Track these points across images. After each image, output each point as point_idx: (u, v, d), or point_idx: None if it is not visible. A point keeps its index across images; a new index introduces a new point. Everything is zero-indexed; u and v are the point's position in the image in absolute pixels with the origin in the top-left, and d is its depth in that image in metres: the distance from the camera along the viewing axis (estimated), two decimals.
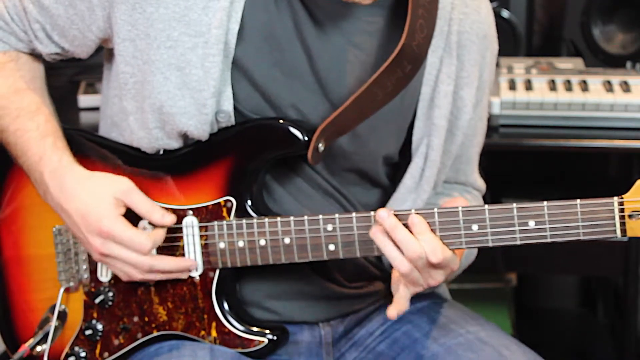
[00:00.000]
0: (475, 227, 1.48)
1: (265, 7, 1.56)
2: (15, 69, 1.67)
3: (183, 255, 1.59)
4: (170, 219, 1.56)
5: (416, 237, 1.46)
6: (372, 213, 1.51)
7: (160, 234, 1.56)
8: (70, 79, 2.52)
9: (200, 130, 1.56)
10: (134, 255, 1.54)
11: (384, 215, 1.47)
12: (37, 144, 1.59)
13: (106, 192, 1.55)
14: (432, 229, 1.48)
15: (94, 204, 1.54)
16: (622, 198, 1.45)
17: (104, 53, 1.70)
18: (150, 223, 1.56)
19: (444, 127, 1.62)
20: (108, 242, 1.54)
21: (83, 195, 1.55)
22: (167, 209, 1.58)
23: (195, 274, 1.59)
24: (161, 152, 1.61)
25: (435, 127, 1.62)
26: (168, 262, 1.57)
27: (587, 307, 3.22)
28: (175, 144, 1.59)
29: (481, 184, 1.79)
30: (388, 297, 1.72)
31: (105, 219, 1.53)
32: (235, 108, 1.57)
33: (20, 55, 1.69)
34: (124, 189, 1.55)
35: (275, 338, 1.59)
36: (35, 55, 1.71)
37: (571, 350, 3.08)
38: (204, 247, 1.58)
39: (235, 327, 1.59)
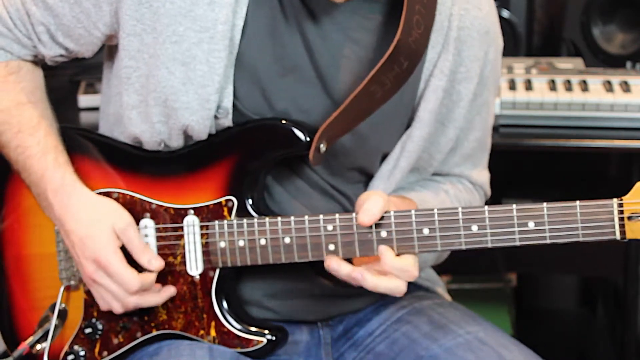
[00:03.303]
0: (474, 228, 1.48)
1: (270, 3, 1.56)
2: (16, 81, 1.66)
3: (184, 254, 1.59)
4: (157, 265, 1.58)
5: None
6: None
7: (150, 278, 1.57)
8: (70, 79, 2.51)
9: (202, 125, 1.56)
10: (121, 291, 1.56)
11: (335, 267, 1.51)
12: (39, 161, 1.60)
13: (108, 222, 1.57)
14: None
15: (95, 231, 1.56)
16: (621, 200, 1.45)
17: (104, 52, 1.70)
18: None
19: (428, 120, 1.62)
20: (100, 271, 1.56)
21: (85, 220, 1.57)
22: (168, 207, 1.59)
23: (196, 273, 1.59)
24: (161, 146, 1.61)
25: (419, 119, 1.62)
26: (151, 299, 1.59)
27: (587, 307, 3.22)
28: (175, 141, 1.59)
29: (478, 178, 1.77)
30: (387, 297, 1.72)
31: (104, 250, 1.55)
32: (233, 105, 1.57)
33: (22, 66, 1.68)
34: (122, 225, 1.57)
35: (274, 338, 1.59)
36: (37, 62, 1.70)
37: (571, 350, 3.08)
38: (205, 246, 1.58)
39: (235, 327, 1.59)
